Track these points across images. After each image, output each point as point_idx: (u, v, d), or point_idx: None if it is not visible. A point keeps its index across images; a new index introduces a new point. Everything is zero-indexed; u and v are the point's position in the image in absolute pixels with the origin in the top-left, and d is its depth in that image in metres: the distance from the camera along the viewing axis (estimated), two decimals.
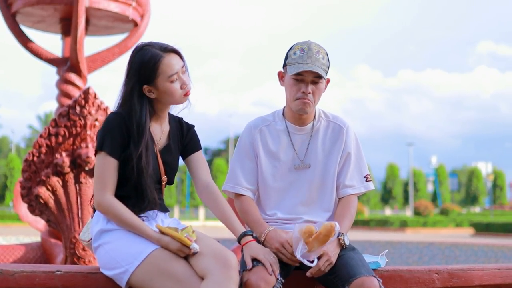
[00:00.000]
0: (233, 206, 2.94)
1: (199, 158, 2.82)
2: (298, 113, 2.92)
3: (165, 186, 2.76)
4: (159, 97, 2.65)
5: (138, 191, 2.61)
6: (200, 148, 2.85)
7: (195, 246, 2.46)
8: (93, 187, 2.67)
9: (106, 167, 2.58)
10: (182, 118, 2.84)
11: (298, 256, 2.61)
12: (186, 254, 2.48)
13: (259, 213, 2.91)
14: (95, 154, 2.64)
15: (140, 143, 2.58)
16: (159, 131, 2.73)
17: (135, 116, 2.59)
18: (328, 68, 2.88)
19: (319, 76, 2.83)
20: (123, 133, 2.59)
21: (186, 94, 2.67)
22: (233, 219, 2.69)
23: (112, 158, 2.59)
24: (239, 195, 2.96)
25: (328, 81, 2.93)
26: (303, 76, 2.83)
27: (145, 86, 2.62)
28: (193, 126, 2.86)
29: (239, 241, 2.65)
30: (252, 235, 2.67)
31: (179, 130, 2.81)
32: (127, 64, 2.66)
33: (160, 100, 2.66)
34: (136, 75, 2.60)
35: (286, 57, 2.91)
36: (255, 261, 2.55)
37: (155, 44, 2.65)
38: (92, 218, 2.73)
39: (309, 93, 2.84)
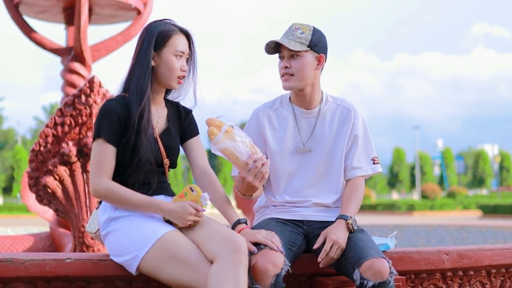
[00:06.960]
0: (238, 196, 2.93)
1: (197, 143, 2.83)
2: (285, 90, 2.90)
3: (169, 170, 2.76)
4: (158, 68, 2.67)
5: (138, 171, 2.59)
6: (198, 133, 2.85)
7: (205, 196, 2.54)
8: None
9: (103, 153, 2.57)
10: (178, 102, 2.85)
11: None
12: (196, 215, 2.50)
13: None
14: (92, 142, 2.63)
15: (141, 102, 2.57)
16: (156, 115, 2.73)
17: (142, 78, 2.61)
18: (314, 43, 2.82)
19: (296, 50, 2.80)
20: (120, 119, 2.58)
21: (180, 78, 2.70)
22: (229, 206, 2.70)
23: (110, 145, 2.58)
24: None
25: (320, 57, 2.87)
26: (282, 53, 2.86)
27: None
28: (190, 111, 2.86)
29: (233, 228, 2.64)
30: (246, 222, 2.67)
31: (177, 113, 2.81)
32: (140, 34, 2.73)
33: (157, 72, 2.67)
34: (151, 42, 2.66)
35: None
36: (256, 245, 2.55)
37: (174, 22, 2.74)
38: (97, 208, 2.73)
39: (286, 67, 2.83)
